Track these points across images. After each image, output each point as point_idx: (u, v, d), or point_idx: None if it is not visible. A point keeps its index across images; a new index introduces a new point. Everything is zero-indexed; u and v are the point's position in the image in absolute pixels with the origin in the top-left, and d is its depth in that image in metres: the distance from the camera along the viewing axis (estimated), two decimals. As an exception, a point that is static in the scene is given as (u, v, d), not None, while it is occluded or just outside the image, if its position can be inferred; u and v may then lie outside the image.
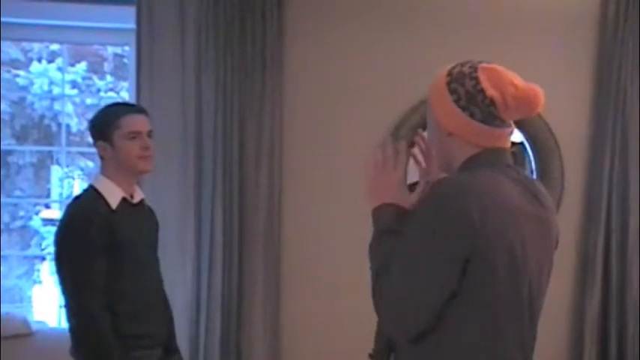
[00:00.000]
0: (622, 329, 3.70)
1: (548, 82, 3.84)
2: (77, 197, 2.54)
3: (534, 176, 3.76)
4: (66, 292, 2.44)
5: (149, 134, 2.54)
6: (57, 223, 2.51)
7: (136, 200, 2.58)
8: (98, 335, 2.38)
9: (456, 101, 1.68)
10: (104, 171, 2.52)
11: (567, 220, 3.76)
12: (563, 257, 3.78)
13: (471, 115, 1.68)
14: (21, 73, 7.44)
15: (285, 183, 3.63)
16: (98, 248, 2.39)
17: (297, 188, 3.66)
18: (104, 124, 2.50)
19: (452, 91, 1.69)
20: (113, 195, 2.49)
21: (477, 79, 1.68)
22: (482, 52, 3.72)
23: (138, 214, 2.59)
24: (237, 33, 3.53)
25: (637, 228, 3.69)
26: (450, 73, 1.72)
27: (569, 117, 3.77)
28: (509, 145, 1.76)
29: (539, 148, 3.74)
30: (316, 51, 3.67)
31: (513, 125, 1.76)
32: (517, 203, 1.66)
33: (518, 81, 1.72)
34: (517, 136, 3.76)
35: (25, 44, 7.13)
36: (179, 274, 3.49)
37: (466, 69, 1.71)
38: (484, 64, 1.72)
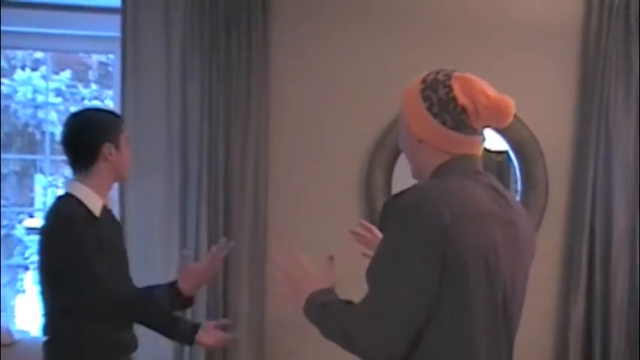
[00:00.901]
0: (606, 338, 3.72)
1: (533, 91, 3.91)
2: (56, 204, 2.48)
3: (519, 185, 3.78)
4: (50, 300, 2.41)
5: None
6: (41, 232, 2.45)
7: (110, 206, 2.59)
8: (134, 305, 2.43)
9: (429, 108, 1.71)
10: (85, 180, 2.48)
11: (551, 228, 3.78)
12: (548, 265, 3.81)
13: (443, 123, 1.70)
14: (5, 80, 7.39)
15: (271, 190, 3.63)
16: (87, 250, 2.37)
17: (283, 195, 3.66)
18: (111, 127, 2.48)
19: (425, 98, 1.71)
20: (94, 203, 2.47)
21: (449, 87, 1.70)
22: (467, 61, 3.76)
23: (112, 219, 2.61)
24: (222, 41, 3.53)
25: (621, 234, 3.72)
26: (424, 81, 1.75)
27: (553, 126, 3.79)
28: (479, 152, 1.78)
29: (523, 156, 3.76)
30: (302, 58, 3.67)
31: (484, 134, 1.79)
32: (488, 208, 1.66)
33: (491, 91, 1.73)
34: (502, 145, 3.79)
35: (8, 52, 7.09)
36: (164, 279, 3.46)
37: (440, 77, 1.73)
38: (458, 73, 1.74)
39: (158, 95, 3.52)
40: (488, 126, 1.76)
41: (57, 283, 2.39)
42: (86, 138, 2.48)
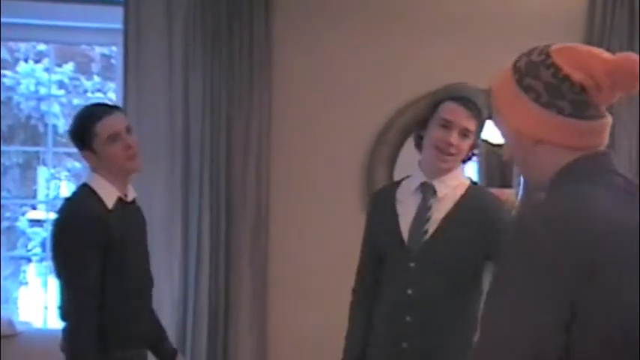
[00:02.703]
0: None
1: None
2: (72, 196, 2.51)
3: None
4: (64, 290, 2.42)
5: (128, 130, 2.48)
6: (53, 225, 2.47)
7: (129, 199, 2.56)
8: (86, 336, 2.36)
9: (536, 99, 1.38)
10: (98, 170, 2.48)
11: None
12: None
13: (560, 112, 1.36)
14: (7, 73, 7.39)
15: (272, 184, 3.63)
16: (96, 247, 2.37)
17: (284, 189, 3.66)
18: (82, 134, 2.45)
19: (526, 89, 1.39)
20: (109, 194, 2.46)
21: (555, 66, 1.38)
22: (468, 57, 3.77)
23: (131, 212, 2.58)
24: (224, 34, 3.53)
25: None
26: (516, 69, 1.44)
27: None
28: (606, 141, 1.43)
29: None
30: (304, 52, 3.67)
31: (609, 116, 1.43)
32: (627, 222, 1.31)
33: (605, 54, 1.39)
34: (502, 139, 3.78)
35: (11, 44, 7.08)
36: (166, 275, 3.49)
37: (536, 57, 1.43)
38: (555, 47, 1.44)
39: (160, 87, 3.52)
40: (615, 98, 1.40)
41: (70, 276, 2.42)
42: (72, 141, 2.51)
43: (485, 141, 3.83)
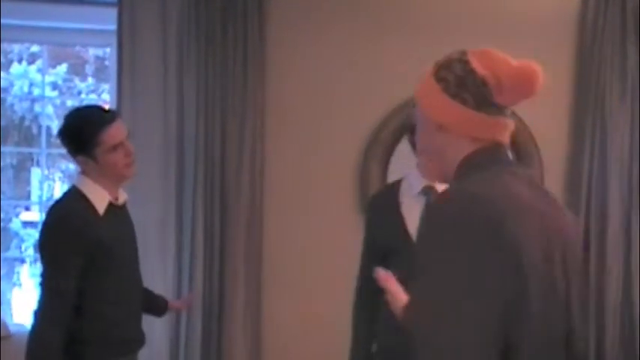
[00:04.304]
0: (601, 332, 3.73)
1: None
2: (60, 199, 2.49)
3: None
4: (41, 295, 2.41)
5: (127, 137, 2.48)
6: (40, 227, 2.46)
7: (120, 202, 2.56)
8: (45, 350, 2.33)
9: (445, 89, 1.53)
10: (88, 173, 2.46)
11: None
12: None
13: (463, 102, 1.52)
14: (1, 74, 7.38)
15: (266, 185, 3.63)
16: (79, 253, 2.36)
17: (278, 190, 3.67)
18: (82, 141, 2.41)
19: (440, 80, 1.54)
20: (100, 199, 2.45)
21: (466, 62, 1.55)
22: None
23: (122, 216, 2.57)
24: (218, 34, 3.53)
25: (615, 230, 3.73)
26: (437, 63, 1.59)
27: (548, 120, 3.80)
28: (507, 139, 1.58)
29: (518, 151, 3.76)
30: (298, 53, 3.68)
31: (511, 119, 1.59)
32: (531, 203, 1.48)
33: (512, 60, 1.56)
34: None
35: (5, 45, 7.08)
36: (160, 275, 3.48)
37: (454, 55, 1.59)
38: (473, 49, 1.61)
39: (154, 88, 3.52)
40: (514, 101, 1.57)
41: (55, 280, 2.39)
42: (66, 145, 2.47)
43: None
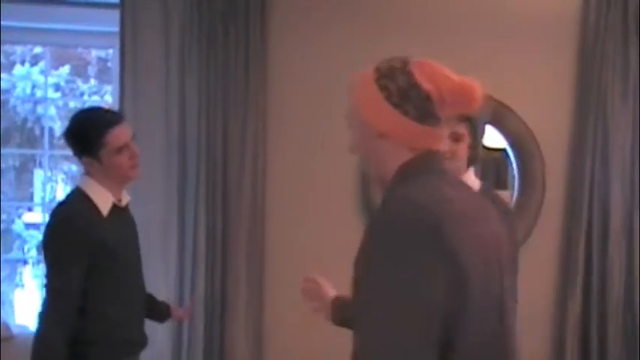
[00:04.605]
0: (603, 331, 3.73)
1: (530, 87, 3.92)
2: (64, 201, 2.49)
3: (517, 182, 3.79)
4: (45, 295, 2.42)
5: (132, 139, 2.48)
6: (44, 228, 2.46)
7: (123, 204, 2.56)
8: (50, 351, 2.33)
9: (387, 98, 1.56)
10: (92, 175, 2.46)
11: (548, 225, 3.79)
12: (544, 261, 3.82)
13: (405, 113, 1.55)
14: (4, 76, 7.39)
15: (268, 186, 3.64)
16: (82, 254, 2.36)
17: (280, 191, 3.67)
18: (88, 142, 2.41)
19: (382, 88, 1.57)
20: (104, 201, 2.45)
21: (409, 73, 1.56)
22: (464, 57, 3.78)
23: (125, 217, 2.58)
24: (220, 36, 3.53)
25: (618, 230, 3.73)
26: (378, 69, 1.60)
27: (550, 122, 3.80)
28: (442, 148, 1.65)
29: (521, 153, 3.77)
30: (300, 54, 3.68)
31: (446, 128, 1.67)
32: (466, 208, 1.54)
33: (454, 75, 1.59)
34: (499, 142, 3.80)
35: (7, 47, 7.09)
36: (162, 276, 3.49)
37: (396, 64, 1.59)
38: (415, 59, 1.61)
39: (156, 90, 3.53)
40: (453, 114, 1.63)
41: (59, 281, 2.39)
42: (71, 146, 2.47)
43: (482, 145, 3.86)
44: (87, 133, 2.42)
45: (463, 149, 2.43)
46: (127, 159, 2.45)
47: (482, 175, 3.92)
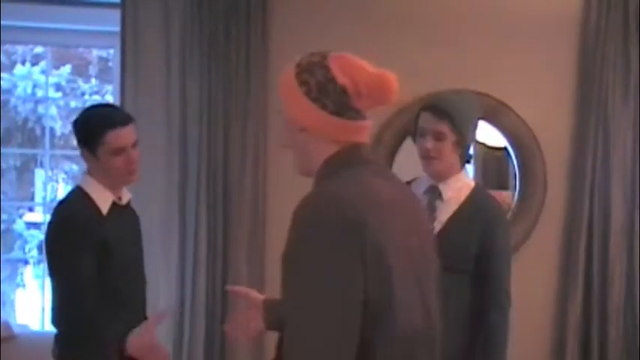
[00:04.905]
0: (604, 332, 3.73)
1: (532, 87, 3.91)
2: (65, 199, 2.49)
3: (518, 181, 3.79)
4: (57, 294, 2.39)
5: (134, 145, 2.45)
6: (46, 227, 2.46)
7: (124, 202, 2.56)
8: (96, 336, 2.33)
9: (307, 93, 1.59)
10: (92, 173, 2.46)
11: (549, 224, 3.79)
12: (545, 260, 3.82)
13: (323, 107, 1.58)
14: (4, 75, 7.40)
15: (269, 186, 3.64)
16: (90, 251, 2.35)
17: (281, 191, 3.66)
18: (88, 137, 2.40)
19: (301, 83, 1.60)
20: (104, 200, 2.44)
21: (327, 68, 1.60)
22: (465, 59, 3.77)
23: (126, 215, 2.57)
24: (222, 36, 3.54)
25: (618, 230, 3.73)
26: (299, 64, 1.64)
27: (551, 121, 3.80)
28: (367, 139, 1.66)
29: (521, 152, 3.76)
30: (301, 54, 3.66)
31: (369, 120, 1.66)
32: (392, 198, 1.58)
33: (371, 67, 1.62)
34: (500, 141, 3.80)
35: (8, 46, 7.09)
36: (163, 275, 3.49)
37: (315, 59, 1.64)
38: (334, 53, 1.65)
39: (157, 89, 3.53)
40: (372, 106, 1.64)
41: (62, 282, 2.38)
42: (75, 134, 2.47)
43: (482, 144, 3.86)
44: (89, 127, 2.41)
45: (447, 147, 2.46)
46: (123, 163, 2.42)
47: (482, 174, 3.94)
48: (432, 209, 2.50)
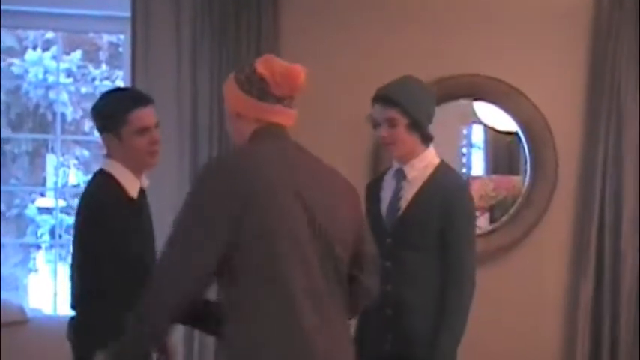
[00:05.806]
0: (615, 316, 3.73)
1: (544, 74, 3.90)
2: (92, 183, 2.43)
3: (528, 167, 3.77)
4: (85, 280, 2.36)
5: (156, 126, 2.43)
6: (77, 214, 2.40)
7: (145, 186, 2.52)
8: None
9: (240, 87, 2.02)
10: (115, 156, 2.40)
11: (560, 211, 3.78)
12: (556, 248, 3.81)
13: (249, 93, 2.01)
14: (16, 61, 7.42)
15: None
16: (123, 235, 2.31)
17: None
18: (111, 118, 2.37)
19: (237, 80, 2.04)
20: (131, 183, 2.41)
21: (253, 65, 2.03)
22: (477, 50, 3.77)
23: (145, 202, 2.53)
24: (232, 22, 3.53)
25: (630, 217, 3.72)
26: (236, 69, 2.09)
27: (563, 108, 3.78)
28: (287, 122, 2.09)
29: (533, 138, 3.75)
30: (312, 44, 3.65)
31: (293, 109, 2.10)
32: (300, 164, 2.06)
33: (285, 63, 2.05)
34: (511, 126, 3.78)
35: (20, 32, 7.10)
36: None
37: (248, 62, 2.10)
38: (262, 57, 2.09)
39: (168, 75, 3.53)
40: (287, 93, 2.06)
41: (89, 267, 2.34)
42: (95, 119, 2.45)
43: (492, 128, 3.85)
44: (112, 107, 2.39)
45: (401, 132, 2.59)
46: (147, 143, 2.38)
47: (493, 159, 3.93)
48: (398, 190, 2.64)
